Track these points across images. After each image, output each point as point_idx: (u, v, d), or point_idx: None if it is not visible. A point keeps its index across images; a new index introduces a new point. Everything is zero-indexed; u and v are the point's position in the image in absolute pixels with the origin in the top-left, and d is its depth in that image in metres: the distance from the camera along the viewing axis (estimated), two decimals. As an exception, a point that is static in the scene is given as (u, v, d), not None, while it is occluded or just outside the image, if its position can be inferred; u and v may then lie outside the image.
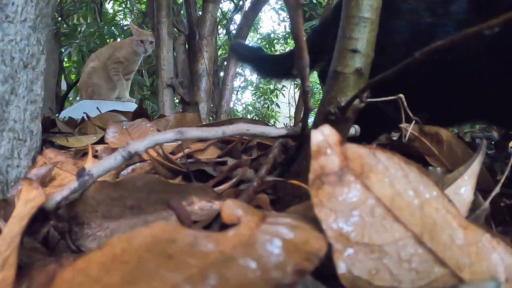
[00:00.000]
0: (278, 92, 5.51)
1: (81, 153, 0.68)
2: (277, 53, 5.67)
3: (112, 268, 0.21)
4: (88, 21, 3.92)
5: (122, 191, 0.38)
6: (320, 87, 4.69)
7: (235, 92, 5.47)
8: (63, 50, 3.47)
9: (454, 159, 0.49)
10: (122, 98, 2.49)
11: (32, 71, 0.60)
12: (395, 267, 0.25)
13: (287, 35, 4.61)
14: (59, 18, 3.49)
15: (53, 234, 0.37)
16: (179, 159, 0.58)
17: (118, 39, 3.35)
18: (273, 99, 5.57)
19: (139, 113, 0.99)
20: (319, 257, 0.23)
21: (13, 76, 0.57)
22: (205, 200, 0.38)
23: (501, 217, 0.43)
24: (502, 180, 0.42)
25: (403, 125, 0.49)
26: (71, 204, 0.37)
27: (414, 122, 0.51)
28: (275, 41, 4.93)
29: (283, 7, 4.61)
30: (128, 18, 4.23)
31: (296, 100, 3.18)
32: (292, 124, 3.19)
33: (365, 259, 0.25)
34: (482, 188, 0.39)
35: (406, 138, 0.53)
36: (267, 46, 4.99)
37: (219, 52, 4.24)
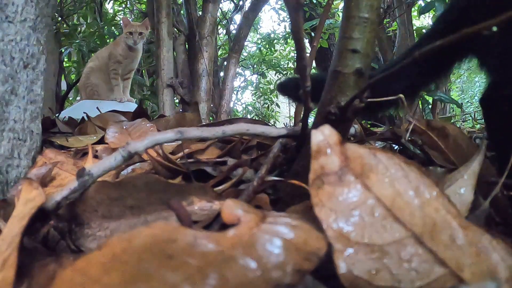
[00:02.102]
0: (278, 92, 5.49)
1: (81, 153, 0.67)
2: (277, 53, 5.67)
3: (112, 268, 0.21)
4: (88, 21, 3.92)
5: (122, 191, 0.38)
6: (320, 87, 4.67)
7: (235, 92, 5.48)
8: (63, 50, 3.47)
9: (460, 153, 0.50)
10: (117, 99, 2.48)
11: (32, 71, 0.60)
12: (395, 267, 0.25)
13: (287, 35, 4.61)
14: (59, 18, 3.49)
15: (53, 234, 0.37)
16: (179, 159, 0.58)
17: (118, 39, 3.35)
18: (273, 99, 5.57)
19: (139, 113, 0.99)
20: (319, 257, 0.23)
21: (13, 76, 0.57)
22: (205, 200, 0.38)
23: (504, 210, 0.43)
24: (502, 180, 0.42)
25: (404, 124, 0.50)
26: (71, 204, 0.37)
27: (413, 123, 0.51)
28: (275, 41, 4.93)
29: (283, 7, 4.62)
30: (128, 18, 4.23)
31: (296, 100, 3.17)
32: (292, 124, 3.20)
33: (365, 259, 0.25)
34: (487, 180, 0.39)
35: (407, 137, 0.53)
36: (267, 46, 4.99)
37: (219, 52, 4.24)
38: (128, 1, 4.42)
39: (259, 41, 5.47)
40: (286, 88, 1.04)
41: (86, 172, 0.36)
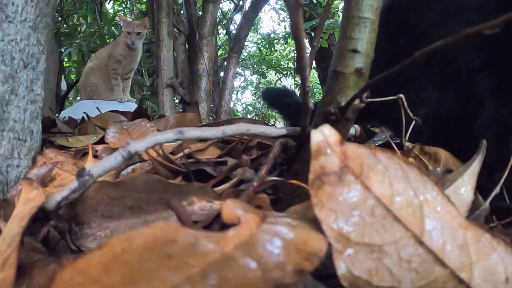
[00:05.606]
0: (278, 92, 5.49)
1: (81, 153, 0.67)
2: (277, 53, 5.67)
3: (112, 268, 0.21)
4: (88, 21, 3.92)
5: (122, 191, 0.38)
6: (320, 87, 4.69)
7: (235, 92, 5.48)
8: (63, 50, 3.47)
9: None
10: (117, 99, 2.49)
11: (32, 71, 0.60)
12: (395, 267, 0.25)
13: (287, 35, 4.60)
14: (59, 18, 3.49)
15: (53, 234, 0.37)
16: (179, 159, 0.58)
17: (118, 39, 3.34)
18: (273, 99, 5.56)
19: (139, 113, 0.99)
20: (319, 257, 0.23)
21: (13, 76, 0.57)
22: (205, 200, 0.38)
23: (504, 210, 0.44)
24: (502, 180, 0.42)
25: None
26: (71, 204, 0.37)
27: (414, 122, 0.51)
28: (275, 41, 4.93)
29: (283, 7, 4.61)
30: (128, 18, 4.23)
31: (296, 100, 3.17)
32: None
33: (365, 259, 0.25)
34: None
35: (407, 138, 0.53)
36: (267, 46, 4.99)
37: (219, 52, 4.24)
38: (128, 1, 4.42)
39: (259, 41, 5.46)
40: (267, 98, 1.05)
41: (86, 172, 0.36)
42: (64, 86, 3.84)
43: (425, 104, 0.61)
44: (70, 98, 4.10)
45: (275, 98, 1.04)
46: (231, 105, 3.41)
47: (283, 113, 1.02)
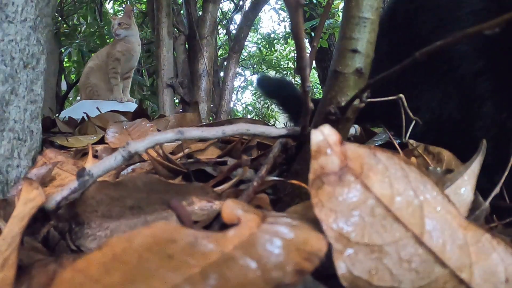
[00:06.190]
0: (278, 92, 5.49)
1: (81, 153, 0.67)
2: (277, 53, 5.68)
3: (112, 268, 0.21)
4: (88, 21, 3.93)
5: (122, 191, 0.38)
6: (320, 87, 4.69)
7: (235, 92, 5.48)
8: (63, 50, 3.47)
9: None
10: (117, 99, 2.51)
11: (32, 71, 0.60)
12: (395, 267, 0.25)
13: (287, 35, 4.61)
14: (59, 18, 3.49)
15: (53, 234, 0.37)
16: (179, 159, 0.58)
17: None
18: (273, 99, 5.56)
19: (139, 113, 0.99)
20: (319, 257, 0.23)
21: (13, 76, 0.57)
22: (205, 200, 0.38)
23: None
24: (502, 180, 0.42)
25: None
26: (71, 204, 0.37)
27: (414, 122, 0.51)
28: (275, 41, 4.93)
29: (283, 7, 4.61)
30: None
31: (296, 100, 3.16)
32: (292, 124, 3.18)
33: (365, 259, 0.25)
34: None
35: (407, 138, 0.54)
36: (267, 46, 4.99)
37: (219, 52, 4.24)
38: (128, 1, 4.42)
39: (259, 41, 5.46)
40: (262, 86, 1.04)
41: (86, 172, 0.36)
42: (64, 86, 3.85)
43: (427, 108, 0.62)
44: (70, 98, 4.11)
45: (273, 88, 1.03)
46: (231, 105, 3.41)
47: (282, 105, 1.01)
